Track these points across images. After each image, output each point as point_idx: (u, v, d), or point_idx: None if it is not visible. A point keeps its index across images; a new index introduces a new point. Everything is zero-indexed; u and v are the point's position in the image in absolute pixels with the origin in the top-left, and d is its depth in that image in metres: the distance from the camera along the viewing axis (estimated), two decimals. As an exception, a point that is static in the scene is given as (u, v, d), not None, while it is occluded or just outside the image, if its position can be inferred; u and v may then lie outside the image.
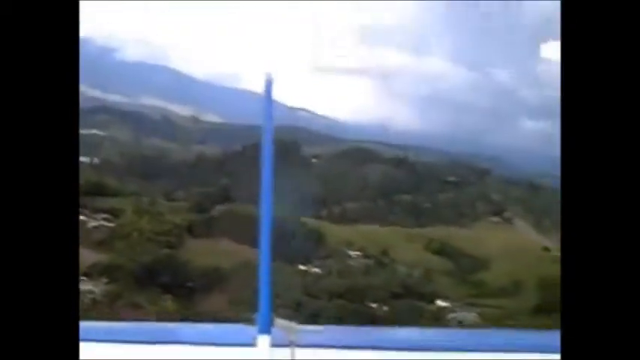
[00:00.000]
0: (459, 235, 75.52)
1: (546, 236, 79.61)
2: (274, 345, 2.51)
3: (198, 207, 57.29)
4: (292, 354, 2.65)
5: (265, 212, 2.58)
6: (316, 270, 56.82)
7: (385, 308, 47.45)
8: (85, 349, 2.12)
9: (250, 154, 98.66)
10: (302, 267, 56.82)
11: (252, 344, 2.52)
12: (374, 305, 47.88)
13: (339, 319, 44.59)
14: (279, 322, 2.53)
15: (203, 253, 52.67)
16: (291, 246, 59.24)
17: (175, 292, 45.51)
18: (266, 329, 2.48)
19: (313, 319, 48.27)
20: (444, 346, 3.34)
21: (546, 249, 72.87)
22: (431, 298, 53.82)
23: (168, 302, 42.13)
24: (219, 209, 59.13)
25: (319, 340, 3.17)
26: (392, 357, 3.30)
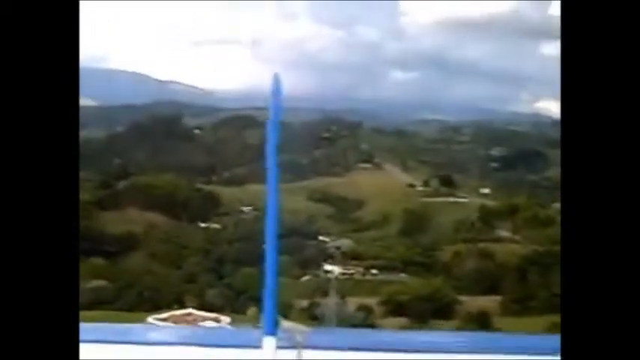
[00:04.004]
0: (335, 184, 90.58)
1: (411, 175, 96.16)
2: (280, 347, 2.46)
3: (103, 184, 68.37)
4: (299, 356, 2.64)
5: (271, 214, 2.48)
6: (216, 226, 69.52)
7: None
8: (83, 349, 2.20)
9: (133, 134, 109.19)
10: (203, 225, 69.44)
11: (257, 346, 2.46)
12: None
13: (241, 261, 57.41)
14: (285, 323, 2.50)
15: (115, 222, 64.02)
16: (190, 208, 71.76)
17: (100, 255, 56.75)
18: (272, 331, 2.42)
19: (219, 262, 61.30)
20: (451, 348, 3.33)
21: (411, 185, 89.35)
22: (314, 236, 67.81)
23: (100, 261, 53.85)
24: (122, 184, 70.53)
25: (326, 341, 3.12)
26: (398, 359, 3.25)
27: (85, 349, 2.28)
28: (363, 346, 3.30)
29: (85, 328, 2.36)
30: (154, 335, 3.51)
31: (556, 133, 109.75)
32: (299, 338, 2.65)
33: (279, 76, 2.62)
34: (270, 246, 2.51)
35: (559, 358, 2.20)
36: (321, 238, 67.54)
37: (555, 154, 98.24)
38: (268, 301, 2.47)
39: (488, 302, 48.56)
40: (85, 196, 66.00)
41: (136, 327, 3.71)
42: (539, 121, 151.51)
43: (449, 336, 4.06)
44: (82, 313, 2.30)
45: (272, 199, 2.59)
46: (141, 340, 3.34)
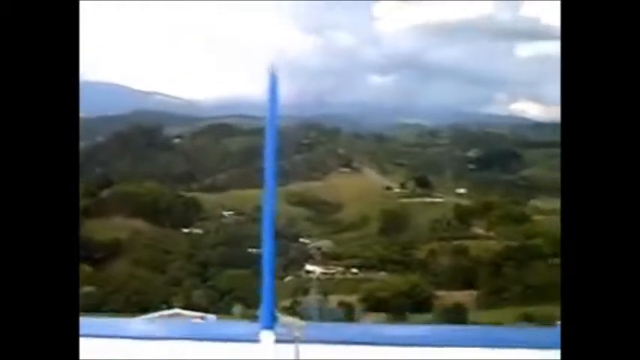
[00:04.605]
0: (314, 188, 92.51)
1: (389, 177, 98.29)
2: (278, 341, 2.48)
3: (88, 193, 69.69)
4: (296, 350, 2.67)
5: (268, 208, 2.47)
6: (198, 231, 71.18)
7: (258, 249, 62.83)
8: (82, 344, 2.19)
9: (114, 144, 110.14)
10: (185, 230, 71.06)
11: (255, 340, 2.50)
12: (251, 250, 62.29)
13: (224, 264, 59.13)
14: (283, 318, 2.53)
15: (100, 230, 65.36)
16: (173, 215, 73.27)
17: (87, 262, 58.08)
18: (269, 325, 2.44)
19: (203, 266, 62.91)
20: (450, 343, 3.40)
21: (388, 188, 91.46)
22: (295, 238, 69.57)
23: (86, 268, 55.22)
24: (106, 192, 72.04)
25: (324, 335, 3.21)
26: (397, 353, 3.28)
27: (84, 344, 2.29)
28: (361, 340, 3.42)
29: (84, 324, 2.37)
30: (152, 330, 3.57)
31: (532, 134, 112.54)
32: (297, 332, 2.67)
33: (276, 72, 2.65)
34: (266, 242, 2.52)
35: (534, 351, 2.65)
36: (302, 240, 69.43)
37: (531, 155, 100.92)
38: (266, 296, 2.47)
39: (464, 296, 50.76)
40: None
41: (135, 322, 3.86)
42: (515, 122, 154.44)
43: (451, 330, 4.36)
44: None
45: (270, 186, 2.65)
46: (139, 335, 3.42)
